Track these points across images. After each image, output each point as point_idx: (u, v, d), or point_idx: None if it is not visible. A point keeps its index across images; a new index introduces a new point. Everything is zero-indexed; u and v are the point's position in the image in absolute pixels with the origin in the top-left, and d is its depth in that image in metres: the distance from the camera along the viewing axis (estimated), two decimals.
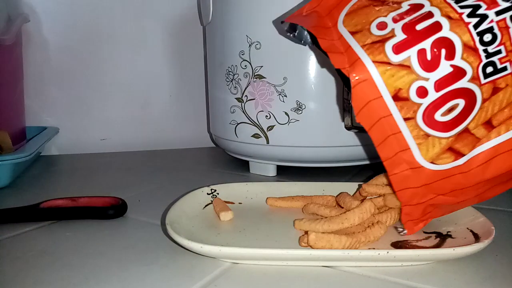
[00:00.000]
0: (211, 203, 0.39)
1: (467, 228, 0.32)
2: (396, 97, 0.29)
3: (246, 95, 0.51)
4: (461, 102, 0.29)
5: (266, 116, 0.50)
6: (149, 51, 0.74)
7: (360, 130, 0.48)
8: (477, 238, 0.30)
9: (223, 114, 0.54)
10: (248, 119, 0.51)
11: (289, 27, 0.37)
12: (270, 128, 0.50)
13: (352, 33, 0.30)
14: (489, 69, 0.29)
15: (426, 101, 0.29)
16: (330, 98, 0.47)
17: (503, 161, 0.30)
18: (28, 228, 0.36)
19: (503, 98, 0.30)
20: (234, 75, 0.51)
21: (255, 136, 0.51)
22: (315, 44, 0.34)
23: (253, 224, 0.35)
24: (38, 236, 0.35)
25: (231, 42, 0.51)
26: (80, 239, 0.34)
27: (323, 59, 0.30)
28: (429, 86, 0.29)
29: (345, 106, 0.47)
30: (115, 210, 0.39)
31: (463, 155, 0.30)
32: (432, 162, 0.30)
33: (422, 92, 0.29)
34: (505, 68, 0.29)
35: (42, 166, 0.62)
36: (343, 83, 0.29)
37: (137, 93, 0.75)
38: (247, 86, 0.50)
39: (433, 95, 0.29)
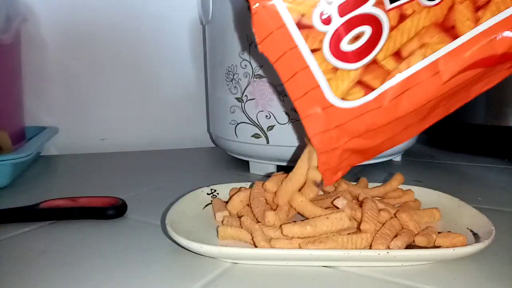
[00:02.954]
0: (211, 203, 0.39)
1: (467, 228, 0.32)
2: (300, 24, 0.28)
3: (246, 95, 0.50)
4: (367, 29, 0.28)
5: (266, 116, 0.50)
6: (149, 51, 0.74)
7: None
8: (477, 238, 0.30)
9: (223, 114, 0.54)
10: (248, 119, 0.51)
11: None
12: (270, 128, 0.50)
13: None
14: None
15: (331, 28, 0.28)
16: None
17: (415, 95, 0.29)
18: (28, 228, 0.36)
19: (411, 26, 0.28)
20: (234, 74, 0.51)
21: (255, 136, 0.51)
22: None
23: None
24: (38, 236, 0.35)
25: (231, 41, 0.51)
26: (79, 239, 0.34)
27: None
28: (333, 10, 0.28)
29: None
30: (115, 210, 0.38)
31: (374, 89, 0.29)
32: (343, 99, 0.29)
33: (326, 18, 0.28)
34: None
35: (42, 166, 0.62)
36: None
37: (137, 92, 0.75)
38: (247, 86, 0.50)
39: (337, 21, 0.28)
